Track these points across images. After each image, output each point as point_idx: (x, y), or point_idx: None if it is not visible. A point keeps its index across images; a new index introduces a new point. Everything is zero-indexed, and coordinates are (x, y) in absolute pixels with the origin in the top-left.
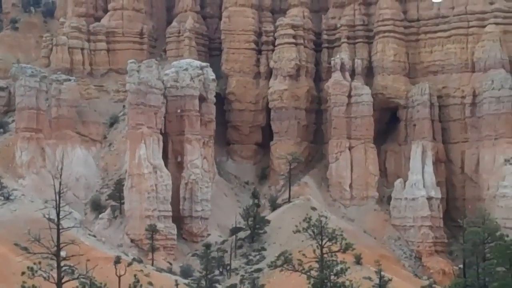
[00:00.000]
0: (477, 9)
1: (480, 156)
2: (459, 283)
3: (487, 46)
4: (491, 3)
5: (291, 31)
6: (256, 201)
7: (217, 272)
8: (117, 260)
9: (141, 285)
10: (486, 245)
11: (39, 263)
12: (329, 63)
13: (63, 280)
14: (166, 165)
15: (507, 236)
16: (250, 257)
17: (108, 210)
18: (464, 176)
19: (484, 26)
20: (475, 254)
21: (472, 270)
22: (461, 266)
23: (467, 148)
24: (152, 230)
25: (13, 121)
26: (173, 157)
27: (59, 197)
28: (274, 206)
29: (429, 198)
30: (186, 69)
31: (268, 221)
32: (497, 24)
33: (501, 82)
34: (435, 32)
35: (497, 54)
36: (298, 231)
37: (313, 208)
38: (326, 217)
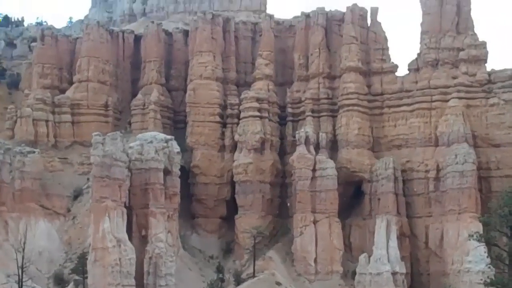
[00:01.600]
0: (440, 84)
1: (444, 231)
2: None
3: (450, 121)
4: (454, 78)
5: (256, 104)
6: (220, 275)
7: None
8: None
9: None
10: None
11: None
12: (294, 137)
13: None
14: (130, 238)
15: None
16: None
17: (71, 285)
18: (429, 251)
19: (447, 101)
20: None
21: None
22: None
23: (431, 222)
24: None
25: None
26: (137, 230)
27: (22, 272)
28: (238, 281)
29: (394, 273)
30: (151, 142)
31: None
32: (460, 98)
33: (465, 157)
34: (399, 106)
35: (460, 128)
36: None
37: (278, 283)
38: None
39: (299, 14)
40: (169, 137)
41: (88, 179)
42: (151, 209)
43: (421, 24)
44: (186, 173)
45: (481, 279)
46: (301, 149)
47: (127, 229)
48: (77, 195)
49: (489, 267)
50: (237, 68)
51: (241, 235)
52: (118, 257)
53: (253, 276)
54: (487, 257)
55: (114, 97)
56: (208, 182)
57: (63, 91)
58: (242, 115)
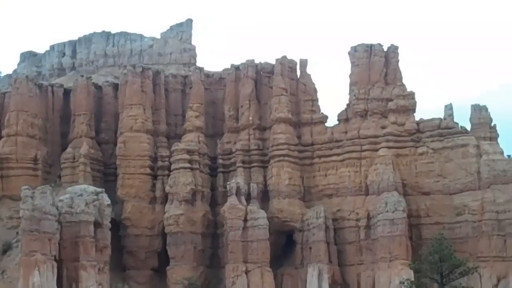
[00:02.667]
0: (369, 133)
1: (375, 278)
2: None
3: (380, 170)
4: (383, 128)
5: (186, 156)
6: None
7: None
8: None
9: None
10: None
11: None
12: (225, 188)
13: None
14: None
15: None
16: None
17: None
18: None
19: (376, 150)
20: None
21: None
22: None
23: (362, 270)
24: None
25: None
26: (67, 284)
27: None
28: None
29: None
30: (81, 195)
31: None
32: (389, 147)
33: (395, 205)
34: (329, 156)
35: (390, 177)
36: None
37: None
38: None
39: (229, 66)
40: (99, 189)
41: (17, 233)
42: (82, 262)
43: (350, 76)
44: (117, 225)
45: None
46: (232, 199)
47: (57, 282)
48: (6, 249)
49: None
50: (167, 121)
51: (173, 287)
52: None
53: None
54: None
55: (44, 151)
56: (139, 234)
57: None
58: (173, 167)
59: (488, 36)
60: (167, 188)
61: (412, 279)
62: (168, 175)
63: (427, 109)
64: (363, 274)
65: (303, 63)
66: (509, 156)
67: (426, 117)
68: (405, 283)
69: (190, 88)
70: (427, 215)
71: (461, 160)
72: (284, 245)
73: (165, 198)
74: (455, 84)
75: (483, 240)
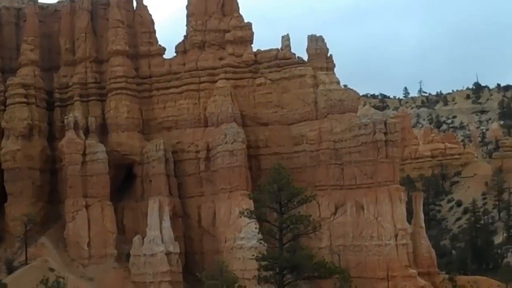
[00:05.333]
0: (207, 65)
1: (216, 210)
2: None
3: (218, 101)
4: (221, 59)
5: (22, 91)
6: None
7: None
8: None
9: None
10: None
11: None
12: (63, 122)
13: None
14: None
15: (245, 287)
16: None
17: None
18: (202, 230)
19: (215, 82)
20: None
21: None
22: None
23: (203, 202)
24: None
25: None
26: None
27: None
28: (10, 269)
29: (168, 253)
30: None
31: (5, 285)
32: (227, 79)
33: (234, 136)
34: (168, 88)
35: (228, 108)
36: None
37: (51, 269)
38: (64, 278)
39: None
40: None
41: None
42: None
43: (187, 7)
44: None
45: (253, 255)
46: (70, 134)
47: None
48: None
49: (261, 243)
50: (1, 54)
51: (12, 223)
52: None
53: (26, 263)
54: (259, 233)
55: None
56: None
57: None
58: (8, 101)
59: None
60: (3, 123)
61: (252, 209)
62: (4, 110)
63: (265, 39)
64: (204, 206)
65: None
66: (345, 85)
67: (263, 48)
68: (245, 213)
69: (24, 21)
70: (266, 145)
71: (299, 91)
72: (124, 179)
73: (1, 134)
74: (292, 15)
75: (321, 169)
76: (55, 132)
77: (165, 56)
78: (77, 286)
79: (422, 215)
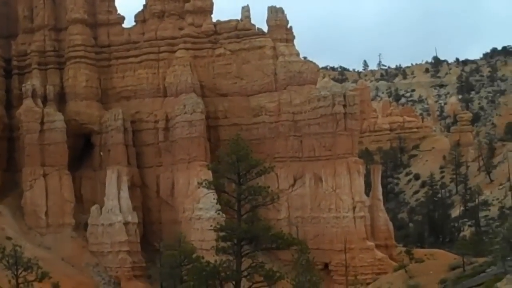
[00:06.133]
0: (166, 35)
1: (174, 180)
2: None
3: (178, 71)
4: (181, 29)
5: None
6: None
7: None
8: None
9: None
10: (183, 267)
11: None
12: (20, 90)
13: None
14: None
15: (203, 257)
16: None
17: None
18: (160, 200)
19: (174, 52)
20: (172, 277)
21: None
22: None
23: (161, 172)
24: None
25: None
26: None
27: None
28: None
29: (126, 223)
30: None
31: None
32: (187, 49)
33: (193, 106)
34: (127, 57)
35: (188, 78)
36: None
37: (8, 238)
38: (21, 246)
39: None
40: None
41: None
42: None
43: None
44: None
45: (212, 225)
46: (28, 102)
47: None
48: None
49: (219, 213)
50: None
51: None
52: None
53: None
54: (217, 203)
55: None
56: None
57: None
58: None
59: None
60: None
61: (211, 179)
62: None
63: (225, 10)
64: (162, 176)
65: None
66: (305, 57)
67: (223, 18)
68: (204, 184)
69: None
70: (225, 116)
71: (258, 62)
72: (83, 148)
73: None
74: None
75: (279, 140)
76: (12, 100)
77: (124, 25)
78: (35, 255)
79: (380, 188)
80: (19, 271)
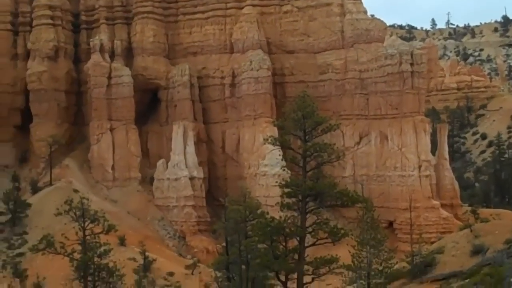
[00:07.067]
0: None
1: (240, 136)
2: (222, 260)
3: (244, 28)
4: None
5: (48, 12)
6: (16, 184)
7: None
8: None
9: None
10: (247, 223)
11: None
12: (88, 45)
13: None
14: None
15: (268, 213)
16: (12, 242)
17: None
18: (225, 156)
19: (241, 8)
20: (237, 232)
21: (235, 247)
22: (224, 244)
23: (227, 128)
24: None
25: None
26: None
27: None
28: (35, 190)
29: (192, 178)
30: None
31: (30, 205)
32: (254, 6)
33: (259, 63)
34: (194, 13)
35: (254, 35)
36: (60, 213)
37: (75, 191)
38: (88, 199)
39: None
40: None
41: None
42: None
43: None
44: None
45: (277, 182)
46: (95, 57)
47: None
48: None
49: (284, 170)
50: None
51: (37, 144)
52: None
53: (50, 184)
54: (282, 160)
55: None
56: (1, 91)
57: None
58: (34, 23)
59: None
60: (29, 45)
61: (276, 136)
62: (30, 31)
63: None
64: (228, 132)
65: None
66: (372, 15)
67: None
68: (269, 140)
69: None
70: (291, 73)
71: (325, 19)
72: (149, 103)
73: (27, 55)
74: None
75: (346, 98)
76: (80, 55)
77: None
78: (101, 208)
79: (446, 147)
80: (86, 223)
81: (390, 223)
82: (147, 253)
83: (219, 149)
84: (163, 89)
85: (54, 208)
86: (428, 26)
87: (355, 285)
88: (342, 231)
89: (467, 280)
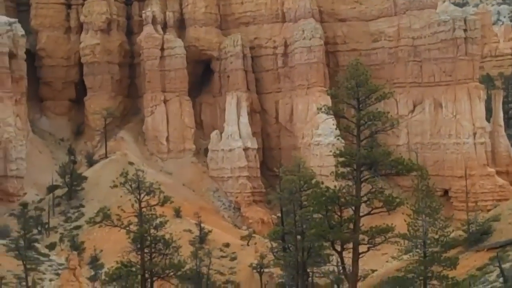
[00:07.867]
0: None
1: (293, 106)
2: (278, 231)
3: None
4: None
5: None
6: (72, 157)
7: (35, 231)
8: None
9: None
10: (302, 192)
11: None
12: (141, 17)
13: None
14: None
15: (322, 183)
16: (69, 215)
17: None
18: (279, 126)
19: None
20: (292, 202)
21: (290, 218)
22: (279, 214)
23: (280, 98)
24: None
25: None
26: None
27: None
28: (91, 162)
29: (246, 149)
30: None
31: (86, 178)
32: None
33: (312, 32)
34: None
35: (306, 4)
36: (116, 186)
37: (131, 163)
38: (143, 171)
39: None
40: (12, 20)
41: None
42: None
43: None
44: (32, 56)
45: (331, 151)
46: (148, 28)
47: None
48: None
49: (338, 139)
50: None
51: (92, 117)
52: None
53: (106, 157)
54: (336, 129)
55: None
56: (55, 65)
57: None
58: None
59: None
60: (82, 18)
61: (330, 105)
62: (83, 4)
63: None
64: (281, 102)
65: None
66: None
67: None
68: (323, 109)
69: None
70: (344, 42)
71: None
72: (202, 74)
73: (80, 28)
74: None
75: (399, 66)
76: (133, 27)
77: None
78: (156, 180)
79: (501, 114)
80: (142, 195)
81: (445, 191)
82: (202, 225)
83: (273, 119)
84: (216, 60)
85: (109, 181)
86: None
87: (411, 254)
88: (397, 200)
89: None
